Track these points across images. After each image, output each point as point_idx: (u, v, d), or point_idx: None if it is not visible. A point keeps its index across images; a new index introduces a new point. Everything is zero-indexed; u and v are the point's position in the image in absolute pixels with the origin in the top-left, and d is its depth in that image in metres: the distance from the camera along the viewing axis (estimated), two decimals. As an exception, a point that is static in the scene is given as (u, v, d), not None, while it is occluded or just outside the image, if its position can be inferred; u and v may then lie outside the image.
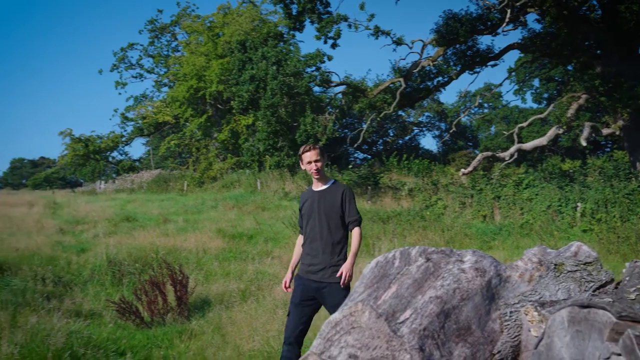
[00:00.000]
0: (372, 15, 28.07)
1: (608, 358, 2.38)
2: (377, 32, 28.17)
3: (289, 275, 5.66)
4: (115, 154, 55.09)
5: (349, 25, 27.99)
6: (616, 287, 3.81)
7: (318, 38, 27.74)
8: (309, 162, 5.45)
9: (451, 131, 36.29)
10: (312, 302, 5.38)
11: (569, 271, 4.20)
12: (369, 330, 3.83)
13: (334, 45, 28.22)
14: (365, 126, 31.90)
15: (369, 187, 25.76)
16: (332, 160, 39.76)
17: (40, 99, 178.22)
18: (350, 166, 35.54)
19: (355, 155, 60.51)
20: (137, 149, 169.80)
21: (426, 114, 64.71)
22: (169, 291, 8.91)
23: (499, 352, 3.96)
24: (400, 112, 52.96)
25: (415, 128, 64.20)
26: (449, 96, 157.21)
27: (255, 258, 12.98)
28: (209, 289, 10.22)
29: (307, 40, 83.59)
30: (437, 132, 66.23)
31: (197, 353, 6.78)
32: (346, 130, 50.06)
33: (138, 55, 60.33)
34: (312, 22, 28.12)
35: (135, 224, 19.44)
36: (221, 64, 38.94)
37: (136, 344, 7.34)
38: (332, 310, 5.09)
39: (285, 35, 31.53)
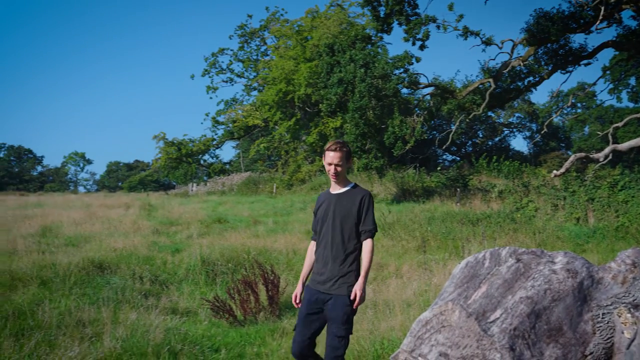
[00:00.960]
0: (461, 16, 27.87)
1: None
2: (466, 32, 27.93)
3: (299, 287, 5.26)
4: (206, 157, 56.43)
5: (438, 27, 27.88)
6: None
7: (406, 40, 27.71)
8: (330, 164, 5.07)
9: (542, 132, 35.48)
10: (320, 315, 4.95)
11: (666, 274, 4.12)
12: (459, 329, 3.86)
13: (422, 47, 28.15)
14: (454, 128, 31.62)
15: (458, 189, 25.50)
16: (420, 162, 39.56)
17: (135, 104, 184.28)
18: (438, 168, 35.26)
19: (444, 157, 60.01)
20: (228, 152, 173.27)
21: (516, 114, 63.56)
22: (260, 290, 9.13)
23: (591, 353, 3.93)
24: (489, 113, 52.16)
25: (505, 129, 63.14)
26: (540, 96, 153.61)
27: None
28: (299, 289, 10.36)
29: (395, 42, 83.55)
30: (527, 133, 64.99)
31: (288, 351, 6.90)
32: (434, 132, 49.69)
33: (228, 60, 61.42)
34: (400, 24, 28.13)
35: (226, 226, 19.89)
36: (309, 68, 39.26)
37: (230, 341, 7.55)
38: (329, 323, 4.86)
39: (373, 38, 31.60)
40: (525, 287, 4.04)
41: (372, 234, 4.99)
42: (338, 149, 5.06)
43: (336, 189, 5.16)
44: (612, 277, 4.31)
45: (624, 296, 4.08)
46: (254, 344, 7.50)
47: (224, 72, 55.18)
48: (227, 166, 62.82)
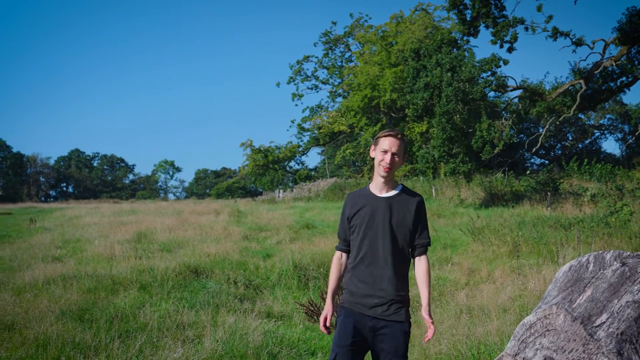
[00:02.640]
0: (550, 17, 27.34)
1: None
2: (556, 33, 27.36)
3: (329, 307, 4.30)
4: (292, 163, 57.12)
5: (526, 28, 27.43)
6: None
7: (494, 43, 27.39)
8: (385, 151, 4.16)
9: (637, 134, 34.35)
10: (365, 343, 4.08)
11: None
12: (564, 333, 3.83)
13: (510, 49, 27.75)
14: (543, 130, 31.00)
15: (549, 193, 24.96)
16: (508, 166, 38.93)
17: (222, 112, 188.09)
18: (527, 172, 34.61)
19: (532, 160, 58.86)
20: (313, 158, 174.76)
21: (608, 116, 61.77)
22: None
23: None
24: (579, 115, 50.85)
25: (596, 131, 61.45)
26: (633, 97, 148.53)
27: (434, 264, 13.03)
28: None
29: (482, 45, 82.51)
30: (620, 135, 63.05)
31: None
32: (522, 135, 48.80)
33: (313, 67, 61.99)
34: (487, 27, 27.81)
35: (314, 231, 20.08)
36: (394, 73, 39.27)
37: (325, 345, 7.65)
38: (385, 355, 4.00)
39: (459, 42, 31.35)
40: (631, 291, 3.98)
41: (427, 249, 4.28)
42: (397, 134, 4.22)
43: (384, 191, 4.25)
44: None
45: None
46: (348, 347, 7.58)
47: (308, 79, 55.80)
48: (313, 172, 63.41)
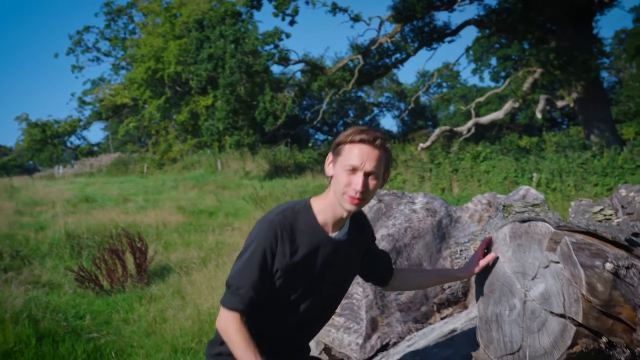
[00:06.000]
0: (330, -8, 28.08)
1: (547, 266, 2.48)
2: (335, 8, 28.15)
3: None
4: (73, 139, 54.51)
5: (307, 2, 27.96)
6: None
7: (276, 15, 27.66)
8: (353, 170, 2.38)
9: (410, 107, 36.50)
10: None
11: (517, 212, 4.33)
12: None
13: (291, 22, 28.17)
14: (324, 103, 31.98)
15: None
16: (292, 140, 39.73)
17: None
18: (310, 144, 35.60)
19: (316, 137, 60.57)
20: (96, 134, 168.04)
21: (386, 94, 64.95)
22: (128, 259, 8.91)
23: (449, 287, 4.09)
24: (359, 93, 53.12)
25: (375, 108, 64.41)
26: (408, 76, 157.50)
27: (215, 230, 13.00)
28: (168, 257, 10.25)
29: (266, 20, 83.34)
30: (396, 113, 66.55)
31: (157, 315, 6.81)
32: (306, 112, 50.09)
33: (94, 39, 59.33)
34: (269, 0, 28.04)
35: (94, 204, 19.23)
36: (179, 45, 38.60)
37: (96, 309, 7.37)
38: None
39: (243, 15, 31.37)
40: (386, 225, 4.15)
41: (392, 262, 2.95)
42: (378, 143, 2.41)
43: (336, 228, 2.56)
44: (469, 216, 4.51)
45: (480, 233, 4.28)
46: (120, 311, 7.33)
47: (89, 50, 53.19)
48: (96, 148, 60.88)
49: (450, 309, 4.01)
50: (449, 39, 29.16)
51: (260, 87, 27.44)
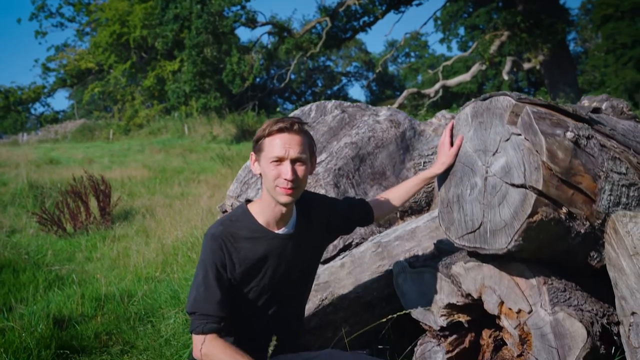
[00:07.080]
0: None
1: (508, 139, 2.48)
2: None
3: None
4: (37, 106, 53.70)
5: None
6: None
7: (242, -26, 27.41)
8: (279, 160, 2.43)
9: (377, 71, 36.53)
10: None
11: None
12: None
13: (259, -16, 27.96)
14: (292, 66, 31.85)
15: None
16: (259, 104, 39.50)
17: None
18: (277, 109, 35.46)
19: (285, 106, 60.42)
20: (61, 102, 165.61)
21: (354, 64, 64.94)
22: (91, 202, 8.80)
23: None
24: (328, 63, 52.91)
25: (343, 78, 64.38)
26: (376, 46, 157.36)
27: (182, 183, 12.93)
28: (133, 203, 10.18)
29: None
30: (364, 82, 66.64)
31: (121, 252, 6.75)
32: (275, 82, 49.88)
33: (58, 4, 58.07)
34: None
35: (59, 165, 19.01)
36: (144, 9, 38.07)
37: (59, 249, 7.28)
38: None
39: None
40: (350, 134, 4.17)
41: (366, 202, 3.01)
42: (296, 127, 2.46)
43: (281, 223, 2.59)
44: (434, 130, 4.55)
45: (443, 147, 4.31)
46: (83, 250, 7.25)
47: (53, 16, 52.16)
48: (61, 115, 60.04)
49: (414, 217, 4.03)
50: (416, 1, 29.13)
51: (228, 49, 27.18)
